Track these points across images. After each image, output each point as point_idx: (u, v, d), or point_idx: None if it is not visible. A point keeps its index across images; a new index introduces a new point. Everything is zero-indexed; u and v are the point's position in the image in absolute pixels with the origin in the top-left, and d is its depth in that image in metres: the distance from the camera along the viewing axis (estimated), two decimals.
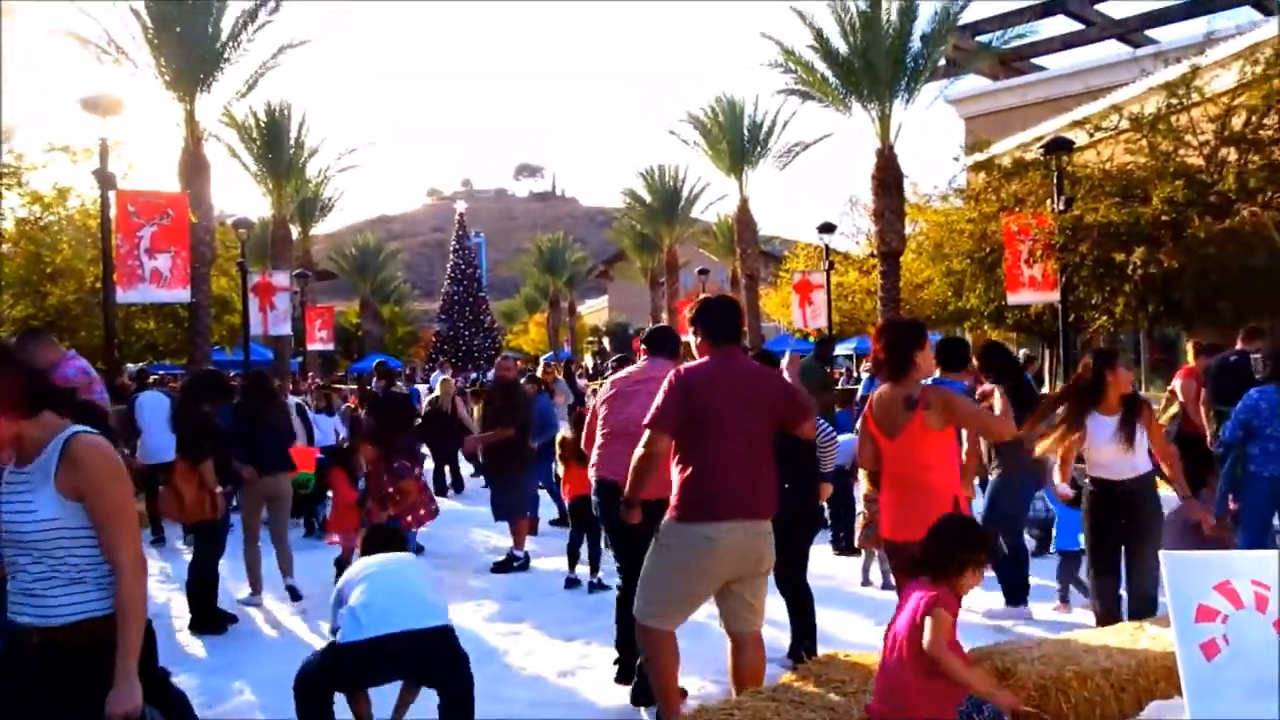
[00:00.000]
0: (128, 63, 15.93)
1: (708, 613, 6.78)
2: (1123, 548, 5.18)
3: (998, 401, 4.60)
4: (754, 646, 4.22)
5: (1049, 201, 14.29)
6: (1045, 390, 14.28)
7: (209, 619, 6.70)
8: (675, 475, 4.14)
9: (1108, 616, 5.13)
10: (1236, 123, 12.99)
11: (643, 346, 5.44)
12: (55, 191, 15.16)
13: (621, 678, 5.28)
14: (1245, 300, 12.39)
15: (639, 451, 4.09)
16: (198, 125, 17.16)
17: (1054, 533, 6.87)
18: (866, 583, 7.38)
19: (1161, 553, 2.02)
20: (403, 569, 4.21)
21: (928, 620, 3.19)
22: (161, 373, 20.86)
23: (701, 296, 4.66)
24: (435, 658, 3.94)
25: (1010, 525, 6.51)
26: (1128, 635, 4.21)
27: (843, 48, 18.81)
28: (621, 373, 5.48)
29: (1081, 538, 5.69)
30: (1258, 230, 11.32)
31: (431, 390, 16.65)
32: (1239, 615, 1.89)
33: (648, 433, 4.08)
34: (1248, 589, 1.91)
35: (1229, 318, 12.75)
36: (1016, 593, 6.51)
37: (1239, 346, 8.44)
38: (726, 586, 4.14)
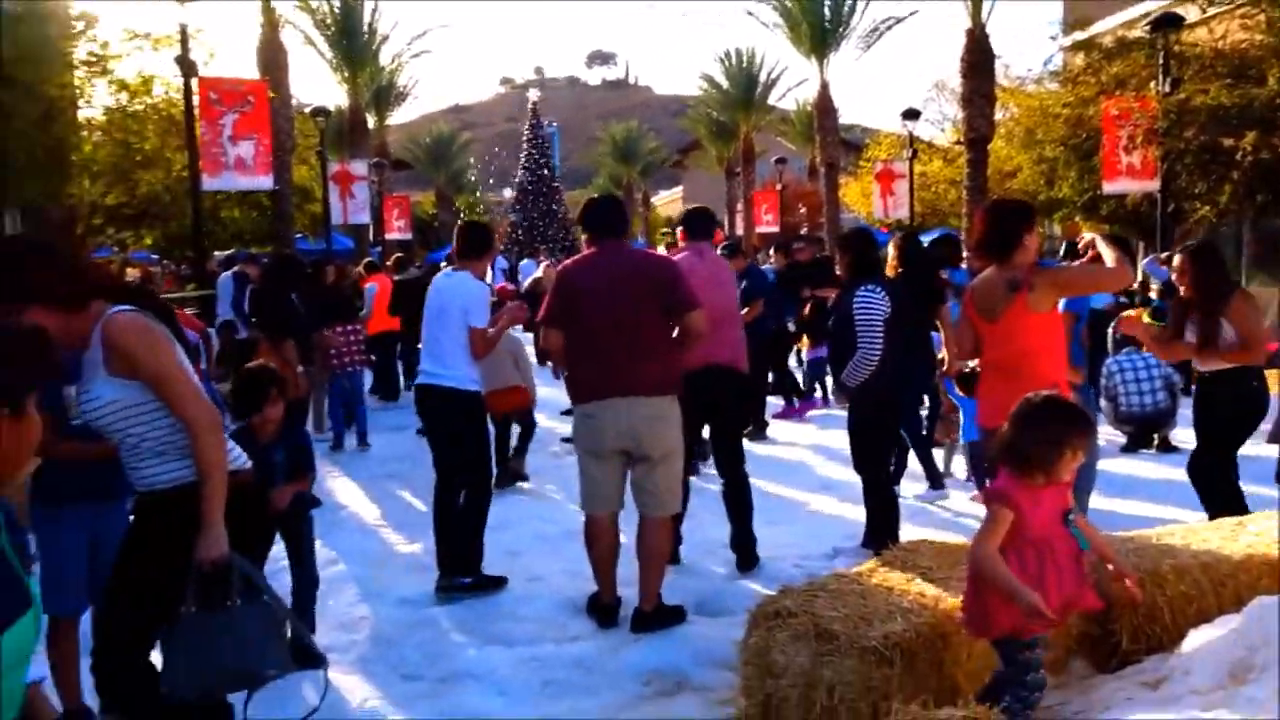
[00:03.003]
0: None
1: (798, 502, 6.83)
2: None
3: (1106, 251, 4.12)
4: (649, 531, 4.53)
5: (1153, 83, 13.55)
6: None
7: None
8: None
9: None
10: None
11: (680, 229, 5.55)
12: (140, 80, 15.30)
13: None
14: None
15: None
16: (274, 12, 17.07)
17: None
18: (947, 474, 7.32)
19: None
20: None
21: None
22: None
23: (588, 198, 5.08)
24: None
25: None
26: (1228, 530, 4.10)
27: None
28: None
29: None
30: None
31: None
32: None
33: (541, 329, 4.63)
34: None
35: None
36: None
37: None
38: (631, 469, 4.54)
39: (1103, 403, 8.51)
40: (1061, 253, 12.46)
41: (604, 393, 4.38)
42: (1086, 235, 5.23)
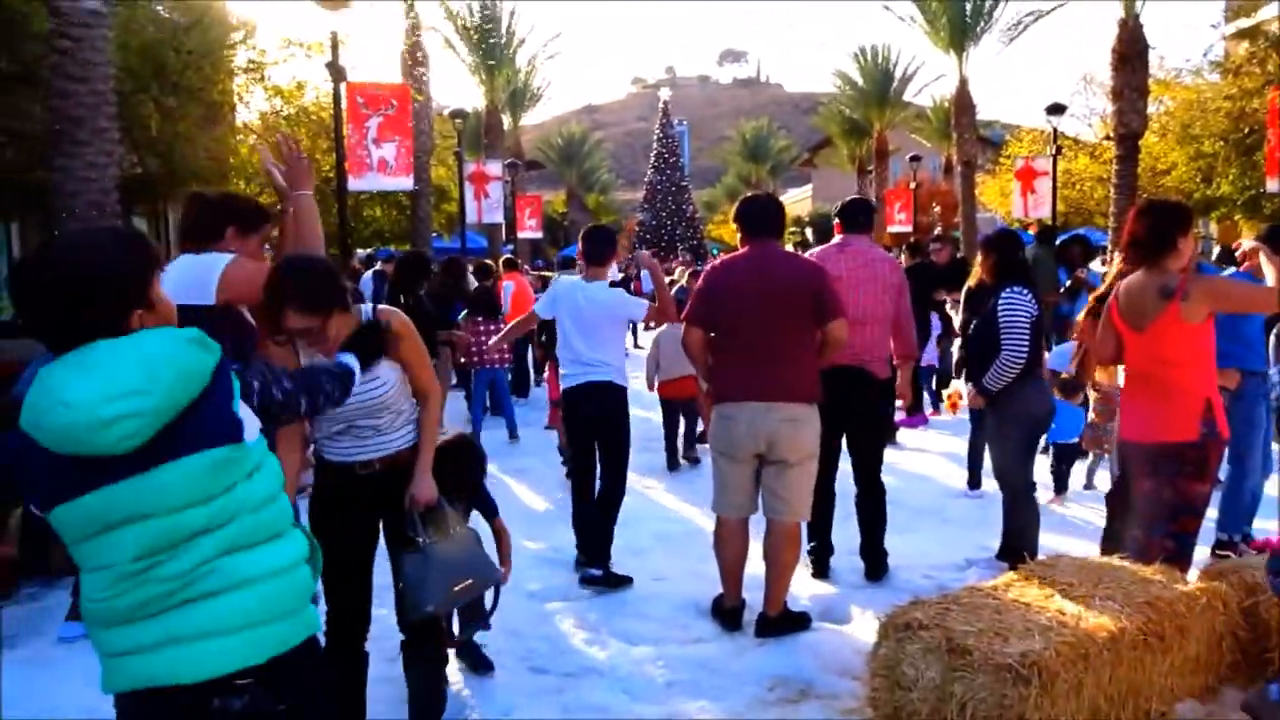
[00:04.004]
0: None
1: (929, 510, 6.63)
2: None
3: (1269, 269, 3.85)
4: (776, 536, 4.44)
5: None
6: None
7: None
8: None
9: None
10: None
11: (837, 221, 5.42)
12: (294, 85, 16.11)
13: None
14: None
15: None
16: (418, 18, 17.66)
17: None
18: (1089, 486, 7.01)
19: None
20: None
21: None
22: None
23: (744, 195, 4.92)
24: None
25: None
26: None
27: None
28: (815, 253, 5.45)
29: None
30: None
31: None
32: None
33: (684, 325, 4.58)
34: None
35: None
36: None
37: None
38: (763, 471, 4.43)
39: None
40: (1214, 257, 11.75)
41: (744, 395, 4.33)
42: (1247, 243, 4.86)
